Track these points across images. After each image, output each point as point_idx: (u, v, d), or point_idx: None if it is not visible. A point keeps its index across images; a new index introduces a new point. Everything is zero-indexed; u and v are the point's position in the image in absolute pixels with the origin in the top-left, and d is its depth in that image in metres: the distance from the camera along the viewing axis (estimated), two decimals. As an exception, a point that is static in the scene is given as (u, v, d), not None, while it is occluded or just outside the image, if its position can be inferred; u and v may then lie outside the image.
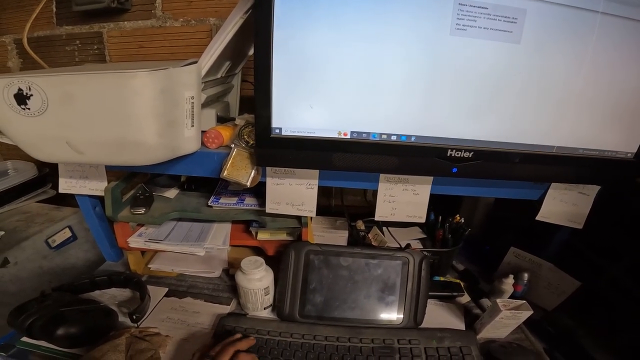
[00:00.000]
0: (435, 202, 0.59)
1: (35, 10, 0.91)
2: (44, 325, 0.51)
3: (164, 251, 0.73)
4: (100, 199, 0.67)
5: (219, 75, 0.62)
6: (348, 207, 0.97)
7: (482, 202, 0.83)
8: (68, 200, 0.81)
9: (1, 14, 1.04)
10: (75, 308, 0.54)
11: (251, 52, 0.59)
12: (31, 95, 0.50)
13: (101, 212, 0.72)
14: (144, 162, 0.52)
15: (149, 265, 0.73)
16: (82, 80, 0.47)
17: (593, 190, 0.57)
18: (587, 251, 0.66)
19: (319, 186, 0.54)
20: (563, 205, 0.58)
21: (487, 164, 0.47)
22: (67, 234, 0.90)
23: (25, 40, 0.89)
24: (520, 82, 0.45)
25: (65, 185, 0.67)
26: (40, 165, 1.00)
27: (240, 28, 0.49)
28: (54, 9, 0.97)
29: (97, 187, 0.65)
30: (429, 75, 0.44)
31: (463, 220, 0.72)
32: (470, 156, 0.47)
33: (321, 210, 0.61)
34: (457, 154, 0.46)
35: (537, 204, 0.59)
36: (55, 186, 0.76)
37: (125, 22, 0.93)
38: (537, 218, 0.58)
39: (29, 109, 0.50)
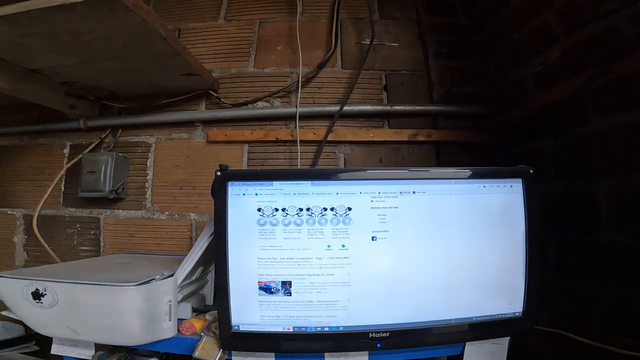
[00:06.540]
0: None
1: (50, 187, 1.08)
2: None
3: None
4: (86, 359, 0.76)
5: (193, 278, 0.77)
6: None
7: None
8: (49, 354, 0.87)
9: (17, 185, 1.17)
10: None
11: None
12: (45, 294, 0.64)
13: (85, 370, 0.80)
14: (128, 344, 0.65)
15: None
16: (86, 289, 0.62)
17: (505, 340, 0.69)
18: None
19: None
20: (482, 355, 0.69)
21: (402, 338, 0.61)
22: (48, 381, 0.94)
23: (35, 222, 1.02)
24: (410, 279, 0.62)
25: (57, 350, 0.75)
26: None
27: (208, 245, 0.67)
28: (62, 188, 1.12)
29: (85, 354, 0.74)
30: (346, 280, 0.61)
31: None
32: (387, 335, 0.60)
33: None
34: (377, 335, 0.60)
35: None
36: (39, 343, 0.83)
37: (120, 211, 1.08)
38: (462, 368, 0.69)
39: (42, 303, 0.64)
